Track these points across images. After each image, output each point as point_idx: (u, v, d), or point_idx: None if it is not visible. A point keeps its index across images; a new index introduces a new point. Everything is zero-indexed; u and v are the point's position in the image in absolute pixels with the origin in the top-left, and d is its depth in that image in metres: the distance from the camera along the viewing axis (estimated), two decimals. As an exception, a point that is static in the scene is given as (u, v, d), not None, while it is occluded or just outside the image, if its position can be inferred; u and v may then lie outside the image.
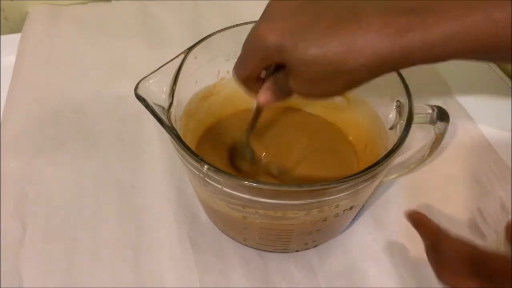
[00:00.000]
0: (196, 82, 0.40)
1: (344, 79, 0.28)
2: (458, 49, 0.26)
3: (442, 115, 0.37)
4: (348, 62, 0.27)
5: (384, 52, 0.26)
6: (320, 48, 0.27)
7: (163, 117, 0.33)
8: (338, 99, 0.43)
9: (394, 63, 0.27)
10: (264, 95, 0.34)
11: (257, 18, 0.40)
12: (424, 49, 0.26)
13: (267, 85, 0.33)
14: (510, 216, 0.42)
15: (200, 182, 0.33)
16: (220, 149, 0.42)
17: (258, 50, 0.30)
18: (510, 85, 0.54)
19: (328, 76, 0.28)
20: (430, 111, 0.36)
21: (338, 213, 0.35)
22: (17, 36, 0.59)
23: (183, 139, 0.32)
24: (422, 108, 0.36)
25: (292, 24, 0.28)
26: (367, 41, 0.26)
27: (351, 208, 0.36)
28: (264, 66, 0.32)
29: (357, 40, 0.26)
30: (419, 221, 0.33)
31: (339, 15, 0.27)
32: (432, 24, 0.26)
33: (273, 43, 0.28)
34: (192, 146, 0.42)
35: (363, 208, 0.42)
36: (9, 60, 0.55)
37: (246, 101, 0.45)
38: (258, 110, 0.37)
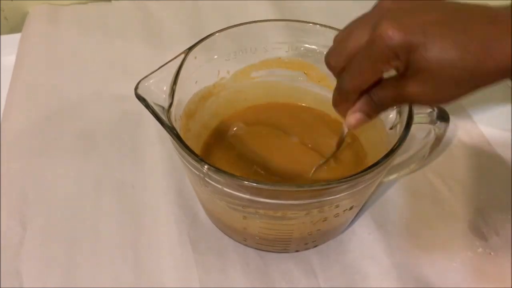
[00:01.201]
0: (196, 82, 0.40)
1: (474, 83, 0.27)
2: None
3: (442, 115, 0.37)
4: (485, 65, 0.25)
5: None
6: (459, 48, 0.25)
7: (163, 117, 0.33)
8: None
9: None
10: (355, 115, 0.31)
11: (257, 18, 0.40)
12: None
13: (359, 105, 0.31)
14: (510, 217, 0.42)
15: (200, 182, 0.33)
16: (228, 151, 0.42)
17: (381, 51, 0.26)
18: (510, 85, 0.54)
19: (460, 80, 0.26)
20: (430, 111, 0.36)
21: (338, 213, 0.35)
22: (17, 36, 0.59)
23: (183, 139, 0.32)
24: (422, 108, 0.36)
25: (421, 21, 0.26)
26: (505, 44, 0.25)
27: (351, 208, 0.36)
28: (384, 70, 0.28)
29: (496, 42, 0.25)
30: None
31: (473, 17, 0.26)
32: None
33: (401, 42, 0.26)
34: (198, 149, 0.42)
35: (363, 208, 0.42)
36: (9, 60, 0.55)
37: (246, 100, 0.46)
38: (343, 136, 0.35)
